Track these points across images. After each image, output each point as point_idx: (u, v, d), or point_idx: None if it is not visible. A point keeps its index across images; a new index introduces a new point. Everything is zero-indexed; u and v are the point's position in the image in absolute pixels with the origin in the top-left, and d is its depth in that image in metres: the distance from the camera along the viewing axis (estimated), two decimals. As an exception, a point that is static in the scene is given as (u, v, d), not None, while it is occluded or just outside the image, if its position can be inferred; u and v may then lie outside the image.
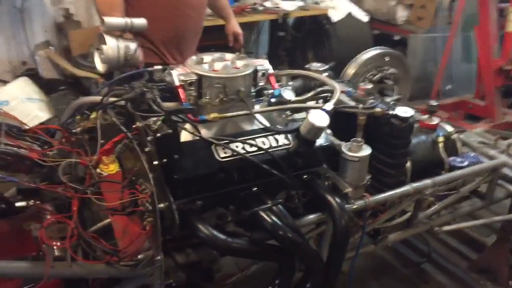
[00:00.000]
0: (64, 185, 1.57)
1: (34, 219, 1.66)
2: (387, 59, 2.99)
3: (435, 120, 2.53)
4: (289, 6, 4.78)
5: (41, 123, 3.29)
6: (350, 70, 2.82)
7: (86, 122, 1.81)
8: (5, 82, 3.75)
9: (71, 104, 1.89)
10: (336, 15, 4.95)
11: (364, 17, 5.17)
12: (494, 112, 4.18)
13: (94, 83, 3.19)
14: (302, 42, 5.34)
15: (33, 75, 3.98)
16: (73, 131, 1.81)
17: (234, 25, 3.16)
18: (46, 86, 3.89)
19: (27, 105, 3.45)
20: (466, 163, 2.38)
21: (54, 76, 4.05)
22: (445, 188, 2.34)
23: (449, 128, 2.56)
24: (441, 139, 2.43)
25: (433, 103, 2.57)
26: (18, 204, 1.60)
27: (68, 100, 3.73)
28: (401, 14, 5.32)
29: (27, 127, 1.76)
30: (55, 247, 1.48)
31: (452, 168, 2.36)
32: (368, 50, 2.98)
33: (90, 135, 1.82)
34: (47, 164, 1.61)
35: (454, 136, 2.54)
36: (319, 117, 1.70)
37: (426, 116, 2.56)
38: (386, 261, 2.85)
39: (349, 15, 5.06)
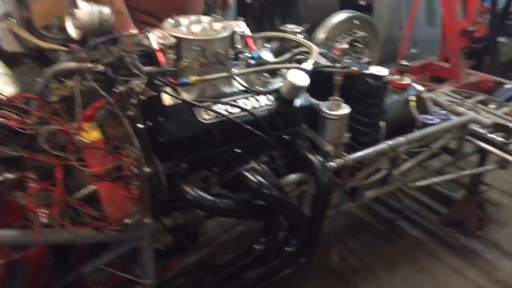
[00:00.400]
0: (46, 153, 1.55)
1: (15, 189, 1.64)
2: (356, 22, 3.02)
3: (406, 80, 2.59)
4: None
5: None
6: (321, 34, 2.84)
7: (63, 90, 1.78)
8: (-35, 56, 3.59)
9: (46, 72, 1.84)
10: (302, -19, 4.93)
11: (330, -18, 5.17)
12: (458, 73, 4.29)
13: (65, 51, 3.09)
14: (269, 9, 5.31)
15: (-5, 48, 3.82)
16: (49, 99, 1.78)
17: None
18: (9, 60, 3.74)
19: (-8, 79, 3.32)
20: (437, 120, 2.46)
21: (17, 49, 3.89)
22: (418, 145, 2.42)
23: (419, 88, 2.63)
24: (412, 98, 2.50)
25: (404, 63, 2.62)
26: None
27: (34, 73, 3.62)
28: (366, -22, 5.34)
29: (1, 97, 1.71)
30: (42, 214, 1.47)
31: (424, 126, 2.43)
32: (337, 13, 3.01)
33: (67, 104, 1.78)
34: (27, 132, 1.57)
35: (425, 95, 2.61)
36: (299, 77, 1.72)
37: (397, 76, 2.62)
38: (362, 219, 2.94)
39: (316, -20, 5.06)
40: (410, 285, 2.47)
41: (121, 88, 1.51)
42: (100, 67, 1.62)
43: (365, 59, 2.83)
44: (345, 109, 1.91)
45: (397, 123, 2.43)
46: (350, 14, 3.03)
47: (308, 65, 1.82)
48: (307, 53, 2.02)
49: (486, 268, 2.59)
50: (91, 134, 1.64)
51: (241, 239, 1.96)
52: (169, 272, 1.83)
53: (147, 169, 1.52)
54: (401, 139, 2.25)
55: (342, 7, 5.18)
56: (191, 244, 1.85)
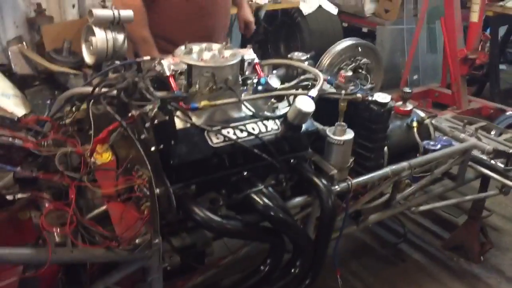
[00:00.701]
0: (60, 174, 1.60)
1: (28, 208, 1.70)
2: (360, 49, 3.10)
3: (409, 106, 2.66)
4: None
5: (18, 119, 3.26)
6: (326, 60, 2.91)
7: (76, 113, 1.84)
8: (-23, 78, 3.67)
9: (60, 96, 1.91)
10: (307, 8, 5.05)
11: (334, 9, 5.30)
12: (460, 99, 4.37)
13: (78, 75, 3.17)
14: (274, 35, 5.43)
15: (6, 71, 3.91)
16: (63, 122, 1.84)
17: (246, 12, 3.10)
18: (20, 82, 3.84)
19: (3, 100, 3.39)
20: (439, 146, 2.51)
21: (28, 71, 3.99)
22: (420, 170, 2.46)
23: (422, 114, 2.70)
24: (415, 124, 2.56)
25: (407, 90, 2.69)
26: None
27: (43, 95, 3.71)
28: (369, 6, 5.47)
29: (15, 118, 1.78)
30: (55, 233, 1.51)
31: (426, 151, 2.48)
32: (341, 41, 3.09)
33: (79, 126, 1.85)
34: (42, 154, 1.63)
35: (427, 121, 2.67)
36: (305, 103, 1.79)
37: (400, 103, 2.68)
38: (366, 243, 2.97)
39: (320, 8, 5.18)
40: (412, 308, 2.50)
41: (135, 112, 1.57)
42: (114, 92, 1.69)
43: (368, 85, 2.91)
44: (350, 135, 1.97)
45: (400, 148, 2.49)
46: (354, 42, 3.11)
47: (314, 92, 1.88)
48: (313, 79, 2.09)
49: (488, 293, 2.62)
50: (104, 156, 1.71)
51: (247, 260, 1.99)
52: (177, 291, 1.87)
53: (157, 191, 1.57)
54: (403, 164, 2.30)
55: (346, 34, 5.32)
56: (198, 265, 1.88)
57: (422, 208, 2.54)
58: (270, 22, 5.36)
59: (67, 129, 1.83)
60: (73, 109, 1.85)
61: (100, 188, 1.64)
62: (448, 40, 4.30)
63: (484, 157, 2.66)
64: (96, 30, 1.85)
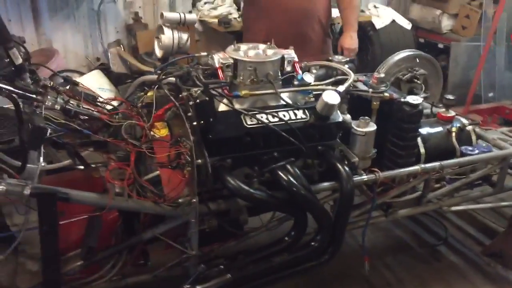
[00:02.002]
0: (125, 141, 2.01)
1: (99, 169, 2.13)
2: (418, 60, 3.28)
3: (451, 113, 2.81)
4: (335, 13, 5.10)
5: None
6: (383, 69, 3.13)
7: (145, 97, 2.26)
8: (81, 73, 4.32)
9: (134, 82, 2.35)
10: (379, 23, 5.24)
11: (407, 24, 5.42)
12: (528, 117, 4.32)
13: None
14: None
15: (105, 69, 4.55)
16: (135, 104, 2.26)
17: (345, 40, 3.32)
18: (116, 79, 4.45)
19: (100, 93, 3.98)
20: (476, 151, 2.64)
21: (123, 70, 4.62)
22: (453, 172, 2.61)
23: (464, 121, 2.83)
24: (454, 129, 2.71)
25: (450, 97, 2.85)
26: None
27: (134, 91, 4.28)
28: (446, 23, 5.52)
29: (100, 98, 2.23)
30: (116, 185, 1.92)
31: (463, 155, 2.62)
32: (400, 51, 3.29)
33: (148, 109, 2.26)
34: (113, 124, 2.06)
35: (469, 127, 2.80)
36: (331, 96, 2.06)
37: (443, 109, 2.84)
38: (404, 241, 3.12)
39: (393, 22, 5.34)
40: (439, 303, 2.62)
41: (184, 93, 1.94)
42: (172, 79, 2.08)
43: (422, 94, 3.07)
44: (371, 127, 2.20)
45: (438, 151, 2.65)
46: (412, 53, 3.31)
47: (342, 88, 2.15)
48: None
49: (520, 298, 2.67)
50: (162, 131, 2.10)
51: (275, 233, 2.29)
52: (213, 252, 2.20)
53: (198, 161, 1.93)
54: (435, 164, 2.47)
55: (421, 50, 5.41)
56: (233, 231, 2.20)
57: (454, 208, 2.67)
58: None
59: (138, 110, 2.25)
60: (143, 93, 2.27)
61: (155, 156, 2.04)
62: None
63: (527, 166, 2.73)
64: (165, 29, 2.27)
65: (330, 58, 2.53)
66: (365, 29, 5.26)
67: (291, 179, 2.02)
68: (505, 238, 2.94)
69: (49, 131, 1.75)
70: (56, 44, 4.55)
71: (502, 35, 5.13)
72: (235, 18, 4.62)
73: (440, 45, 5.58)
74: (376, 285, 2.72)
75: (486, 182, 2.82)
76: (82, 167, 2.10)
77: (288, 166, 2.04)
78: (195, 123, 1.91)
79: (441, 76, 3.50)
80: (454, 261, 2.94)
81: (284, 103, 2.14)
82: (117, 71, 4.61)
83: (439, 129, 2.75)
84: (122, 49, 4.65)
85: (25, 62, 1.96)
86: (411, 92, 3.04)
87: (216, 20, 4.62)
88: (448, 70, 5.26)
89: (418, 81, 3.16)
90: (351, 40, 3.33)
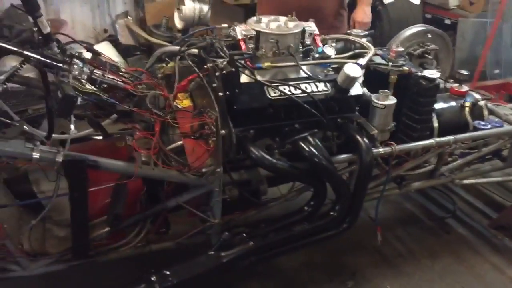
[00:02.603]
0: (150, 111, 2.04)
1: (122, 139, 2.16)
2: (429, 36, 3.29)
3: (464, 88, 2.85)
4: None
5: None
6: (394, 43, 3.14)
7: (165, 68, 2.27)
8: (90, 45, 4.31)
9: (154, 53, 2.36)
10: (388, -3, 5.22)
11: (415, 0, 5.40)
12: (535, 93, 4.36)
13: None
14: (355, 22, 5.62)
15: (113, 40, 4.53)
16: (156, 75, 2.28)
17: (358, 13, 3.32)
18: (124, 51, 4.44)
19: (109, 65, 3.99)
20: (489, 126, 2.68)
21: (131, 42, 4.61)
22: (466, 146, 2.66)
23: (477, 96, 2.86)
24: (467, 104, 2.74)
25: (463, 72, 2.88)
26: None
27: (143, 63, 4.27)
28: (454, -1, 5.50)
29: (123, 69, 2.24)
30: (142, 153, 1.96)
31: (476, 130, 2.66)
32: (412, 26, 3.30)
33: (167, 80, 2.28)
34: (137, 94, 2.08)
35: (481, 103, 2.84)
36: (353, 69, 2.09)
37: (456, 84, 2.88)
38: (414, 214, 3.19)
39: (402, -3, 5.32)
40: (448, 273, 2.69)
41: (209, 64, 1.96)
42: (195, 50, 2.10)
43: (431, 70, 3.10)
44: (392, 101, 2.24)
45: (451, 125, 2.69)
46: (423, 28, 3.32)
47: (363, 61, 2.18)
48: (366, 53, 2.37)
49: (527, 269, 2.75)
50: (184, 102, 2.12)
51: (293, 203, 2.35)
52: (234, 221, 2.26)
53: (222, 131, 1.96)
54: (449, 137, 2.51)
55: (428, 25, 5.40)
56: (254, 200, 2.25)
57: (465, 181, 2.73)
58: (350, 9, 5.56)
59: (159, 81, 2.27)
60: (163, 64, 2.29)
61: (178, 126, 2.07)
62: (528, 33, 4.30)
63: (536, 141, 2.78)
64: (186, 0, 2.27)
65: (348, 31, 2.54)
66: (374, 4, 5.20)
67: (313, 150, 2.06)
68: (512, 212, 3.02)
69: (79, 99, 1.77)
70: (64, 15, 4.52)
71: (509, 11, 5.11)
72: (244, -9, 4.61)
73: (447, 21, 5.56)
74: (388, 256, 2.80)
75: (497, 156, 2.88)
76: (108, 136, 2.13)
77: (310, 138, 2.08)
78: (221, 94, 1.94)
79: (451, 51, 3.53)
80: (462, 233, 3.02)
81: (305, 75, 2.16)
82: (125, 42, 4.60)
83: (452, 103, 2.79)
84: (130, 20, 4.63)
85: (34, 32, 1.97)
86: (422, 67, 3.06)
87: (225, -7, 4.61)
88: (455, 46, 5.26)
89: (430, 56, 3.17)
90: (363, 14, 3.33)
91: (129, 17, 4.63)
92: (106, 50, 4.23)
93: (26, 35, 2.19)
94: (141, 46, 4.57)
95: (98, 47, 4.29)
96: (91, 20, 4.69)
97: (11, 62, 1.92)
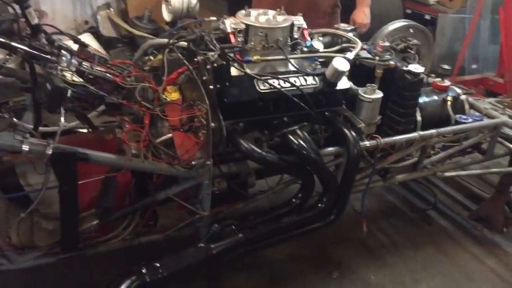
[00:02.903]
0: (139, 104, 2.03)
1: (111, 132, 2.15)
2: (411, 31, 3.34)
3: (446, 82, 2.91)
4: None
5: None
6: (377, 39, 3.18)
7: (153, 60, 2.26)
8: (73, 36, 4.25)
9: (142, 45, 2.34)
10: (369, -8, 5.26)
11: (396, -5, 5.48)
12: (511, 88, 4.47)
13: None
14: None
15: (94, 32, 4.48)
16: (142, 68, 2.27)
17: (358, 14, 3.39)
18: (106, 43, 4.39)
19: (91, 57, 3.93)
20: (470, 120, 2.75)
21: (113, 34, 4.55)
22: (449, 140, 2.72)
23: (458, 90, 2.93)
24: (449, 98, 2.81)
25: (446, 67, 2.94)
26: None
27: (125, 55, 4.23)
28: (433, -6, 5.59)
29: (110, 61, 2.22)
30: (132, 146, 1.95)
31: (457, 124, 2.73)
32: (394, 21, 3.34)
33: (155, 73, 2.27)
34: (126, 86, 2.07)
35: (463, 97, 2.91)
36: (341, 63, 2.12)
37: (438, 79, 2.93)
38: (396, 206, 3.26)
39: (382, -8, 5.38)
40: (430, 264, 2.76)
41: (200, 57, 1.96)
42: (184, 43, 2.09)
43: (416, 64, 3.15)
44: (378, 94, 2.28)
45: (434, 119, 2.75)
46: (406, 23, 3.36)
47: (351, 55, 2.21)
48: (354, 47, 2.40)
49: (505, 258, 2.83)
50: (173, 95, 2.12)
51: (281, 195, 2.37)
52: (222, 213, 2.27)
53: (212, 124, 1.97)
54: (432, 131, 2.57)
55: (408, 19, 5.47)
56: (242, 193, 2.27)
57: (447, 174, 2.79)
58: (350, 10, 5.59)
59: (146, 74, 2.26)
60: (151, 57, 2.28)
61: (168, 119, 2.06)
62: (505, 29, 4.40)
63: (514, 134, 2.86)
64: (175, -8, 2.26)
65: (335, 26, 2.57)
66: (355, -1, 5.28)
67: (302, 142, 2.08)
68: (491, 203, 3.11)
69: (69, 91, 1.75)
70: (44, 6, 4.44)
71: (487, 7, 5.22)
72: (228, -16, 4.60)
73: (427, 16, 5.65)
74: (372, 247, 2.86)
75: (477, 149, 2.95)
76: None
77: (298, 131, 2.10)
78: (211, 86, 1.94)
79: (433, 46, 3.58)
80: (443, 225, 3.09)
81: (294, 69, 2.18)
82: (107, 34, 4.54)
83: (435, 98, 2.85)
84: (112, 12, 4.57)
85: (14, 22, 1.95)
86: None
87: (209, -15, 4.59)
88: (434, 42, 5.35)
89: (412, 51, 3.22)
90: (363, 15, 3.39)
91: (110, 9, 4.57)
92: (88, 42, 4.11)
93: (5, 26, 2.16)
94: (123, 38, 4.52)
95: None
96: (71, 11, 4.61)
97: (-5, 54, 1.90)
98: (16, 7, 1.86)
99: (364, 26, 3.35)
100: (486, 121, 2.78)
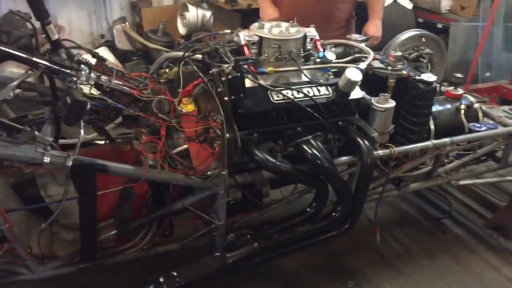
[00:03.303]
0: (155, 116, 2.07)
1: (128, 143, 2.20)
2: (423, 40, 3.36)
3: (459, 91, 2.91)
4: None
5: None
6: (389, 48, 3.20)
7: (169, 73, 2.31)
8: (89, 50, 4.34)
9: (158, 58, 2.40)
10: (381, 2, 5.28)
11: (408, 4, 5.49)
12: (525, 95, 4.46)
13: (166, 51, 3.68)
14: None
15: (110, 46, 4.56)
16: (159, 80, 2.32)
17: (370, 27, 3.43)
18: (121, 56, 4.47)
19: (107, 70, 4.01)
20: (484, 128, 2.75)
21: (128, 47, 4.64)
22: (463, 148, 2.72)
23: (472, 98, 2.93)
24: (463, 106, 2.81)
25: (458, 75, 2.95)
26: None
27: (140, 68, 4.31)
28: (445, 3, 5.59)
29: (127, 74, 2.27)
30: (149, 157, 2.00)
31: (471, 132, 2.73)
32: (407, 31, 3.36)
33: (171, 85, 2.32)
34: (143, 99, 2.11)
35: (476, 105, 2.91)
36: (354, 73, 2.14)
37: (451, 87, 2.94)
38: (411, 215, 3.25)
39: (395, 2, 5.40)
40: (446, 272, 2.75)
41: (214, 70, 2.00)
42: (199, 56, 2.14)
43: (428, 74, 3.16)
44: (391, 104, 2.30)
45: (447, 128, 2.75)
46: (418, 32, 3.38)
47: (363, 65, 2.23)
48: (366, 57, 2.43)
49: (521, 267, 2.82)
50: (189, 107, 2.16)
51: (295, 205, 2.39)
52: (237, 223, 2.30)
53: (227, 135, 2.00)
54: (445, 139, 2.57)
55: (420, 28, 5.48)
56: (256, 202, 2.29)
57: (461, 182, 2.79)
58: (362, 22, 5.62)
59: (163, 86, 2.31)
60: (167, 70, 2.32)
61: (183, 130, 2.10)
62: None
63: (530, 142, 2.85)
64: (190, 6, 2.32)
65: (348, 36, 2.60)
66: (366, 9, 5.31)
67: (316, 152, 2.11)
68: (506, 212, 3.09)
69: (89, 105, 1.80)
70: (61, 21, 4.55)
71: (499, 15, 5.22)
72: (242, -4, 4.64)
73: (439, 25, 5.66)
74: (386, 256, 2.86)
75: (491, 158, 2.94)
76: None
77: (312, 141, 2.13)
78: (226, 98, 1.98)
79: (445, 55, 3.60)
80: (458, 234, 3.08)
81: (307, 79, 2.22)
82: (122, 48, 4.63)
83: (448, 106, 2.85)
84: (127, 26, 4.66)
85: (32, 37, 2.01)
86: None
87: (223, -2, 4.65)
88: (447, 50, 5.35)
89: (424, 60, 3.23)
90: (376, 28, 3.42)
91: (126, 23, 4.66)
92: (104, 55, 4.24)
93: (24, 41, 2.22)
94: (138, 51, 4.60)
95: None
96: (88, 25, 4.72)
97: (11, 68, 1.96)
98: (36, 22, 1.93)
99: (376, 39, 3.38)
100: (500, 129, 2.77)
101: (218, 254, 2.10)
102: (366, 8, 4.69)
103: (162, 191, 2.14)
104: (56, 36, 1.90)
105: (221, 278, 2.26)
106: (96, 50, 4.34)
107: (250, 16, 4.38)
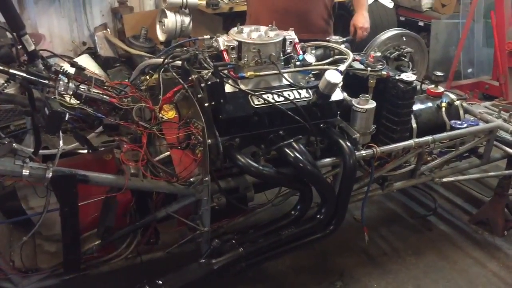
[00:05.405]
0: (136, 124, 2.07)
1: (110, 152, 2.19)
2: (404, 39, 3.38)
3: (440, 89, 2.94)
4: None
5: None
6: (370, 48, 3.21)
7: (149, 80, 2.30)
8: (70, 58, 4.31)
9: (138, 65, 2.39)
10: (363, 2, 5.31)
11: (389, 3, 5.52)
12: (507, 91, 4.50)
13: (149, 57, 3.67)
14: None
15: (92, 53, 4.53)
16: (139, 88, 2.31)
17: (358, 19, 3.45)
18: (104, 63, 4.44)
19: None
20: (465, 125, 2.77)
21: (110, 54, 4.61)
22: (445, 145, 2.74)
23: (452, 96, 2.96)
24: (444, 104, 2.84)
25: (439, 73, 2.97)
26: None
27: (123, 74, 4.29)
28: (426, 1, 5.65)
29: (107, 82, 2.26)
30: (131, 166, 1.99)
31: (453, 129, 2.75)
32: (387, 30, 3.38)
33: (151, 92, 2.31)
34: (123, 107, 2.10)
35: (457, 102, 2.93)
36: (334, 76, 2.15)
37: (432, 86, 2.97)
38: (396, 213, 3.27)
39: (376, 1, 5.43)
40: (432, 269, 2.78)
41: (194, 76, 2.00)
42: (179, 62, 2.13)
43: (410, 72, 3.19)
44: (372, 104, 2.31)
45: (429, 126, 2.77)
46: (399, 31, 3.40)
47: (342, 67, 2.24)
48: (346, 58, 2.44)
49: (507, 261, 2.84)
50: (169, 113, 2.15)
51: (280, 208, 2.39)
52: (222, 228, 2.29)
53: (209, 141, 2.00)
54: (427, 137, 2.59)
55: (402, 27, 5.52)
56: (241, 207, 2.29)
57: (445, 179, 2.81)
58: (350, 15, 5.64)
59: (143, 93, 2.30)
60: (147, 77, 2.32)
61: (165, 137, 2.10)
62: (497, 32, 4.45)
63: (510, 137, 2.88)
64: (168, 13, 2.31)
65: (327, 38, 2.61)
66: (349, 9, 5.33)
67: (298, 155, 2.11)
68: (491, 207, 3.12)
69: (67, 115, 1.78)
70: (42, 29, 4.50)
71: (479, 11, 5.28)
72: (222, 0, 4.63)
73: (421, 23, 5.71)
74: (374, 255, 2.87)
75: (474, 154, 2.97)
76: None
77: (294, 144, 2.13)
78: (206, 104, 1.98)
79: (426, 53, 3.62)
80: (444, 230, 3.11)
81: (287, 83, 2.22)
82: (104, 54, 4.60)
83: (429, 104, 2.88)
84: (109, 32, 4.63)
85: (12, 47, 2.00)
86: (398, 70, 3.15)
87: (204, 2, 4.62)
88: (428, 48, 5.39)
89: (405, 59, 3.25)
90: (364, 19, 3.45)
91: (107, 29, 4.63)
92: (86, 62, 4.22)
93: (4, 50, 2.20)
94: (121, 58, 4.58)
95: (78, 60, 4.28)
96: (69, 33, 4.68)
97: (-10, 80, 1.94)
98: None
99: (365, 30, 3.42)
100: (481, 125, 2.80)
101: (203, 260, 2.10)
102: (347, 9, 4.71)
103: (146, 199, 2.13)
104: (32, 47, 1.88)
105: (208, 284, 2.25)
106: (78, 58, 4.33)
107: (231, 20, 4.39)
